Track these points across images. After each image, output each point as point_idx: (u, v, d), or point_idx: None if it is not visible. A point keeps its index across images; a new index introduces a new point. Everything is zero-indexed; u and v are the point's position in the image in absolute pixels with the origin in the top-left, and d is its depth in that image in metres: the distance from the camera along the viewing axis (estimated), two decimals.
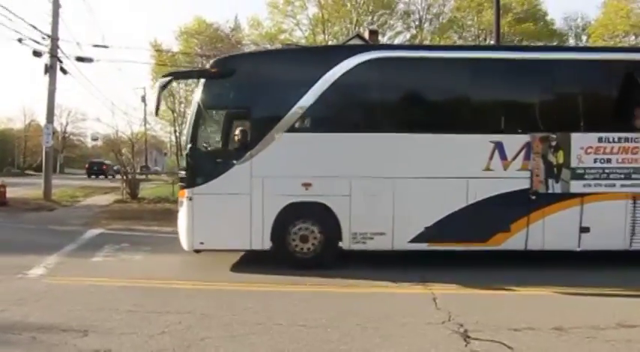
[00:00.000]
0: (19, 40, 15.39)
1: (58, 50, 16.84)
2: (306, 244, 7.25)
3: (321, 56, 8.11)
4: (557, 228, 7.22)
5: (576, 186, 7.28)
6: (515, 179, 7.27)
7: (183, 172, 7.60)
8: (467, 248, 7.45)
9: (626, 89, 7.43)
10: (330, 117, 7.57)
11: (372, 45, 8.40)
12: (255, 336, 4.43)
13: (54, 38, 16.64)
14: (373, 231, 7.25)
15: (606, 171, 7.30)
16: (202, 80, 7.51)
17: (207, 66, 7.56)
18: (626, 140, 7.31)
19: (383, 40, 34.79)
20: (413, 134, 7.38)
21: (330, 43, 36.38)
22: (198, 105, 7.47)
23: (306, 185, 7.19)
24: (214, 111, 7.99)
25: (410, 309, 5.34)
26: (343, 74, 7.29)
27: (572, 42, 39.90)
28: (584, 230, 7.25)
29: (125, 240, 9.43)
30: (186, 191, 7.30)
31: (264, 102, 7.44)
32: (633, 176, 7.29)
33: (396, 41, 38.70)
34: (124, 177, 18.90)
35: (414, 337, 4.44)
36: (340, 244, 7.23)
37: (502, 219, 7.29)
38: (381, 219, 7.24)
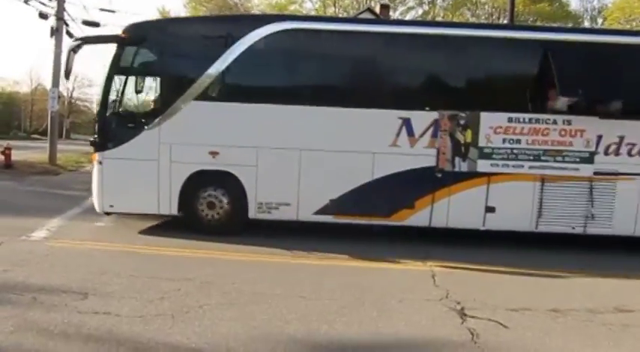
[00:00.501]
0: (25, 1, 15.18)
1: (65, 13, 16.62)
2: (213, 211, 7.45)
3: (230, 25, 7.99)
4: (462, 206, 7.26)
5: (483, 166, 7.26)
6: (421, 156, 7.29)
7: (95, 136, 7.66)
8: (370, 222, 7.58)
9: (540, 70, 7.28)
10: (238, 87, 7.65)
11: (280, 15, 8.39)
12: (254, 305, 4.46)
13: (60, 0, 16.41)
14: (278, 202, 7.40)
15: (515, 151, 7.23)
16: (114, 45, 7.49)
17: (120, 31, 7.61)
18: (537, 121, 7.22)
19: (394, 15, 34.16)
20: (320, 107, 7.36)
21: (340, 15, 35.72)
22: (109, 70, 7.55)
23: (213, 153, 7.30)
24: (125, 77, 7.80)
25: (408, 285, 5.36)
26: (251, 44, 7.31)
27: (587, 24, 39.01)
28: (489, 209, 7.29)
29: None
30: (97, 155, 7.50)
31: (174, 70, 7.59)
32: (543, 158, 7.21)
33: (407, 17, 37.96)
34: None
35: (411, 312, 4.46)
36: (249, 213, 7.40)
37: (407, 195, 7.35)
38: (286, 189, 7.36)
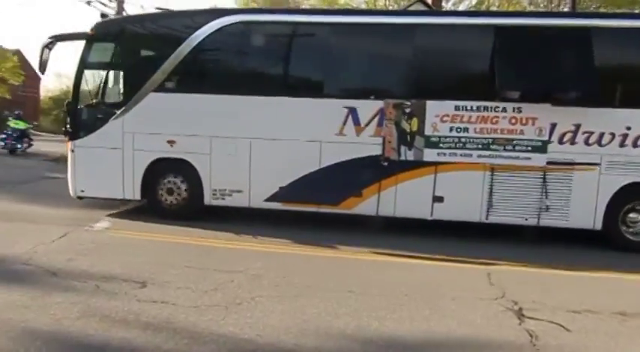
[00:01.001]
0: (88, 3, 15.91)
1: (124, 13, 17.28)
2: (171, 197, 7.89)
3: (186, 20, 8.15)
4: (409, 195, 7.19)
5: (430, 155, 7.12)
6: (367, 145, 7.23)
7: (67, 126, 8.15)
8: (319, 209, 7.57)
9: (488, 55, 7.00)
10: (192, 78, 7.89)
11: (232, 9, 8.92)
12: (304, 298, 4.49)
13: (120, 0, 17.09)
14: (231, 189, 7.67)
15: (462, 140, 7.03)
16: (83, 42, 8.03)
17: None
18: (486, 109, 6.96)
19: (447, 6, 33.21)
20: (268, 97, 7.46)
21: (390, 7, 35.15)
22: (79, 65, 8.12)
23: (171, 142, 7.71)
24: (93, 71, 8.52)
25: (462, 283, 5.21)
26: (205, 38, 7.60)
27: None
28: (437, 199, 7.16)
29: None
30: (70, 143, 8.10)
31: (135, 64, 8.21)
32: (492, 147, 6.95)
33: (461, 7, 36.84)
34: None
35: (465, 311, 4.34)
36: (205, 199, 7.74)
37: (354, 183, 7.34)
38: (238, 177, 7.59)
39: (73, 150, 8.05)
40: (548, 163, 6.89)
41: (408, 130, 7.15)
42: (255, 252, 6.21)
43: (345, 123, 7.27)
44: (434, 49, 7.42)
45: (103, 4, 16.44)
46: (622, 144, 6.71)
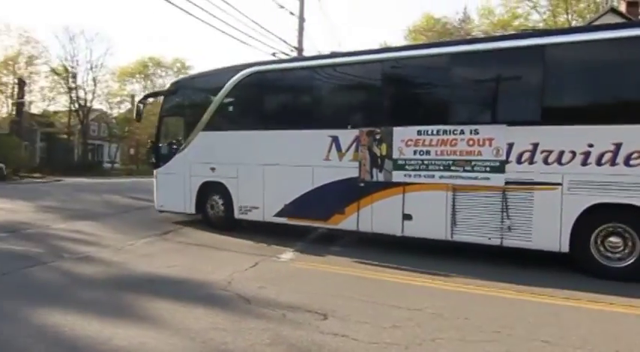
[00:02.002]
0: (273, 54, 17.78)
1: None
2: (213, 211, 10.12)
3: (221, 75, 9.97)
4: (383, 213, 7.93)
5: (398, 176, 7.82)
6: (348, 168, 8.24)
7: (152, 158, 11.31)
8: (313, 224, 8.95)
9: (443, 83, 7.65)
10: (224, 119, 9.91)
11: (250, 63, 9.62)
12: (490, 345, 4.13)
13: (300, 49, 18.78)
14: (251, 205, 9.48)
15: (425, 162, 7.57)
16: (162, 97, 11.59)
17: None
18: (445, 132, 7.39)
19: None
20: (275, 131, 9.11)
21: (574, 23, 32.11)
22: (160, 114, 11.40)
23: (213, 169, 9.95)
24: (168, 118, 11.46)
25: None
26: (232, 88, 9.68)
27: None
28: (406, 217, 7.75)
29: (358, 235, 9.98)
30: (154, 171, 11.08)
31: (193, 111, 10.40)
32: (452, 168, 7.34)
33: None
34: None
35: None
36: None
37: (338, 202, 8.36)
38: (256, 196, 9.34)
39: (155, 177, 11.00)
40: (507, 183, 6.97)
41: (379, 154, 8.01)
42: (429, 288, 6.01)
43: (329, 150, 8.44)
44: (395, 81, 8.26)
45: (286, 54, 18.20)
46: (584, 163, 6.45)
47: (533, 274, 6.60)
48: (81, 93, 41.78)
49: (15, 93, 38.64)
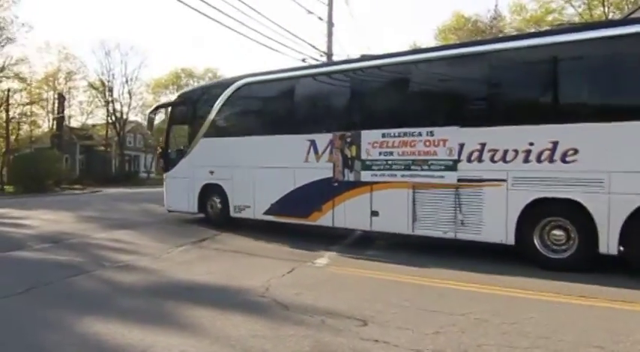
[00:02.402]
0: (303, 60, 17.85)
1: None
2: (212, 210, 11.20)
3: (218, 87, 11.30)
4: (354, 210, 8.63)
5: (366, 176, 8.51)
6: (324, 169, 8.99)
7: (162, 163, 12.61)
8: (296, 221, 9.67)
9: (403, 90, 8.40)
10: (220, 127, 11.03)
11: (242, 75, 10.83)
12: (539, 351, 3.95)
13: (329, 54, 18.77)
14: (244, 205, 10.43)
15: (389, 162, 8.19)
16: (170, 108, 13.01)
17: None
18: (405, 134, 8.01)
19: None
20: (262, 136, 10.04)
21: (611, 16, 30.99)
22: (168, 123, 13.02)
23: (211, 172, 11.01)
24: (175, 126, 12.85)
25: None
26: (226, 98, 10.78)
27: None
28: (374, 214, 8.41)
29: (394, 236, 9.84)
30: (164, 175, 12.45)
31: (195, 120, 11.52)
32: (412, 167, 7.94)
33: None
34: None
35: None
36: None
37: (316, 201, 9.11)
38: (247, 196, 10.30)
39: (165, 180, 12.32)
40: (459, 180, 7.50)
41: (349, 156, 8.72)
42: (468, 292, 5.84)
43: (308, 152, 9.22)
44: (360, 89, 8.88)
45: (315, 59, 18.22)
46: (526, 160, 6.87)
47: (577, 276, 6.31)
48: (117, 106, 43.11)
49: (55, 108, 40.12)
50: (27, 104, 37.29)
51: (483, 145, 7.25)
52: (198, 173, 11.22)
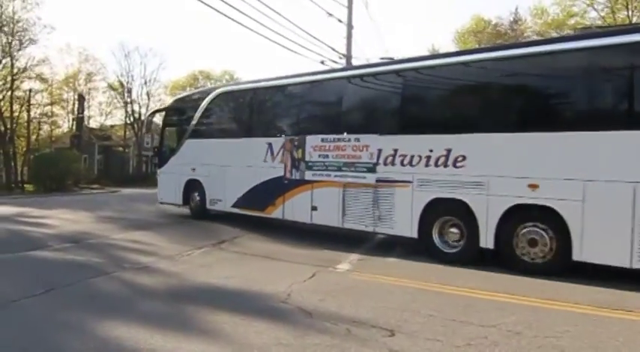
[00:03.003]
0: (322, 62, 17.77)
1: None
2: (193, 203, 12.80)
3: (202, 95, 12.90)
4: (299, 205, 9.77)
5: (308, 175, 9.65)
6: (278, 168, 10.22)
7: (156, 160, 15.05)
8: (255, 214, 10.94)
9: (336, 101, 9.56)
10: (200, 130, 12.53)
11: (221, 85, 13.14)
12: None
13: (348, 56, 18.65)
14: (217, 198, 11.88)
15: (325, 164, 9.31)
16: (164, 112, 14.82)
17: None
18: (339, 140, 9.10)
19: None
20: (231, 139, 11.61)
21: (634, 19, 30.35)
22: (162, 126, 14.89)
23: (193, 169, 12.54)
24: (168, 128, 14.25)
25: None
26: (206, 105, 12.35)
27: None
28: (314, 208, 9.53)
29: (413, 246, 9.66)
30: (157, 170, 14.32)
31: (183, 123, 13.12)
32: (343, 168, 9.01)
33: None
34: None
35: None
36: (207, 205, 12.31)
37: (271, 196, 10.35)
38: (219, 191, 11.78)
39: (158, 175, 14.17)
40: (377, 181, 8.56)
41: (297, 157, 9.90)
42: (496, 301, 5.64)
43: (266, 153, 10.48)
44: (305, 100, 10.30)
45: (334, 61, 18.12)
46: (427, 165, 7.90)
47: (611, 288, 6.06)
48: (136, 107, 43.43)
49: (75, 108, 40.64)
50: (48, 104, 37.93)
51: (396, 151, 8.32)
52: (184, 170, 12.80)
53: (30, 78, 33.38)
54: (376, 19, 65.57)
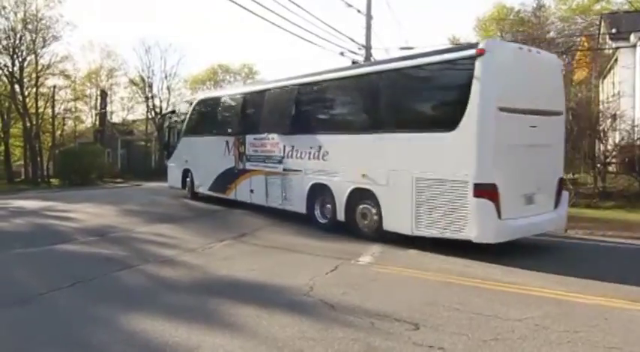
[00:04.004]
0: (341, 53, 17.62)
1: (372, 58, 18.55)
2: (187, 187, 15.69)
3: (191, 101, 16.07)
4: (243, 189, 12.55)
5: (248, 166, 12.36)
6: (231, 160, 12.94)
7: (166, 154, 18.88)
8: (221, 195, 13.61)
9: (260, 109, 12.27)
10: (190, 129, 15.48)
11: (206, 93, 16.70)
12: None
13: (367, 47, 18.41)
14: (199, 184, 14.83)
15: (257, 157, 12.03)
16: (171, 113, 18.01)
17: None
18: (263, 138, 11.79)
19: None
20: (206, 137, 14.32)
21: None
22: (168, 125, 18.08)
23: (186, 161, 15.51)
24: (174, 127, 17.14)
25: None
26: (192, 108, 15.48)
27: None
28: (251, 191, 12.21)
29: (434, 239, 9.53)
30: (167, 161, 17.78)
31: (180, 124, 16.05)
32: (265, 161, 11.66)
33: None
34: None
35: None
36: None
37: (228, 182, 13.19)
38: (201, 178, 14.66)
39: (167, 166, 17.50)
40: (284, 170, 11.01)
41: (241, 152, 12.55)
42: (521, 295, 5.55)
43: (225, 148, 13.11)
44: (242, 109, 13.07)
45: (353, 52, 17.95)
46: (309, 158, 10.24)
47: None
48: (157, 102, 43.82)
49: (98, 104, 41.24)
50: (71, 100, 38.48)
51: (292, 147, 10.76)
52: (181, 161, 15.92)
53: (54, 74, 33.96)
54: (395, 9, 64.71)
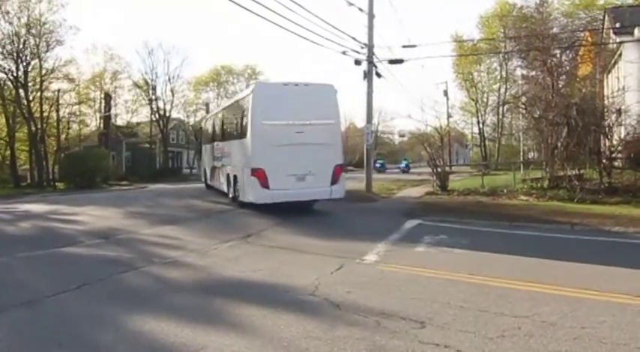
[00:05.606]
0: (344, 53, 17.60)
1: (374, 56, 18.52)
2: (205, 181, 20.85)
3: (204, 117, 26.91)
4: (218, 178, 17.02)
5: (217, 163, 17.35)
6: (216, 161, 17.62)
7: (198, 156, 27.37)
8: (214, 186, 18.50)
9: (219, 125, 17.59)
10: (205, 138, 21.01)
11: (210, 112, 25.44)
12: None
13: (370, 46, 18.38)
14: (208, 179, 20.09)
15: (218, 157, 16.89)
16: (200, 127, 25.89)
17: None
18: (218, 144, 17.15)
19: None
20: (211, 143, 18.82)
21: None
22: (198, 136, 26.03)
23: (204, 162, 21.35)
24: (202, 136, 22.79)
25: None
26: (204, 123, 22.93)
27: None
28: (221, 183, 16.39)
29: (442, 232, 9.55)
30: (200, 162, 24.78)
31: (203, 135, 22.60)
32: (222, 159, 16.21)
33: None
34: (434, 170, 19.35)
35: None
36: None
37: (214, 176, 18.18)
38: (207, 174, 20.06)
39: (200, 166, 24.44)
40: (222, 166, 16.08)
41: (215, 154, 17.51)
42: (528, 291, 5.50)
43: (212, 152, 18.24)
44: (220, 123, 17.46)
45: (356, 51, 17.92)
46: (222, 157, 16.18)
47: None
48: (160, 104, 44.02)
49: (102, 107, 41.44)
50: (76, 104, 38.71)
51: (222, 149, 16.10)
52: (204, 163, 21.18)
53: (58, 78, 34.23)
54: (398, 7, 64.56)
